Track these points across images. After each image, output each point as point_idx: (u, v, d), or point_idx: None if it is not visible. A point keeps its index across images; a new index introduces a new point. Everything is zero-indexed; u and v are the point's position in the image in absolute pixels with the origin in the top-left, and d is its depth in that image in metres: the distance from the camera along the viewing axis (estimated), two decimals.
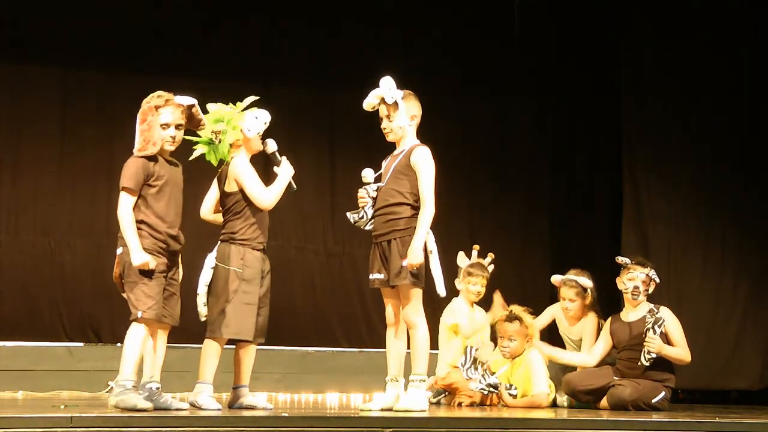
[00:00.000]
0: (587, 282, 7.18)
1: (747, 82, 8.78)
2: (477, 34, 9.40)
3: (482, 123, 9.55)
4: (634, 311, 6.86)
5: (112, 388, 5.19)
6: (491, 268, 7.32)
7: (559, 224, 9.63)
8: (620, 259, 6.97)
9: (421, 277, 5.59)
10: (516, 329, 6.84)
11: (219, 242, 5.70)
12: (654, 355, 6.65)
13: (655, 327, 6.67)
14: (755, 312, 8.66)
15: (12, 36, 8.45)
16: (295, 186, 5.81)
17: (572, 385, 6.81)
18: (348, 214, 5.81)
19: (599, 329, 7.11)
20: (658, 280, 6.83)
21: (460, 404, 6.84)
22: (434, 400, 7.00)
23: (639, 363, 6.68)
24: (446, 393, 7.03)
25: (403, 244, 5.56)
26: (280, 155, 5.82)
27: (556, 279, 7.33)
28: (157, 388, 5.30)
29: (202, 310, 5.62)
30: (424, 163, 5.66)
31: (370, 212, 5.73)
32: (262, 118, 5.77)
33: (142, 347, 5.18)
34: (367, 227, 5.78)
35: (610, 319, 7.01)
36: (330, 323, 8.98)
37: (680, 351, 6.74)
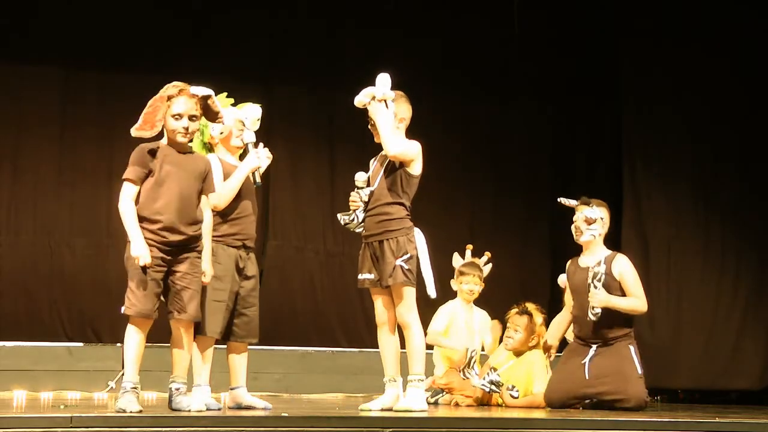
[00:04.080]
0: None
1: (746, 82, 8.79)
2: (477, 35, 9.40)
3: (482, 123, 9.55)
4: (588, 257, 6.66)
5: (112, 388, 5.16)
6: (488, 267, 7.30)
7: (559, 224, 9.61)
8: (564, 201, 6.73)
9: (414, 275, 5.57)
10: (524, 322, 6.87)
11: None
12: (599, 311, 6.44)
13: (595, 282, 6.46)
14: (755, 312, 8.66)
15: (12, 36, 8.45)
16: (259, 180, 5.67)
17: (549, 400, 6.65)
18: (339, 215, 5.75)
19: None
20: (593, 217, 6.56)
21: (457, 404, 6.84)
22: (432, 400, 7.00)
23: (588, 319, 6.51)
24: (444, 393, 7.03)
25: (396, 244, 5.53)
26: (255, 146, 5.73)
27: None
28: (177, 389, 5.18)
29: None
30: (410, 151, 5.59)
31: (361, 215, 5.69)
32: (239, 116, 5.70)
33: (137, 346, 5.11)
34: (358, 230, 5.74)
35: (569, 262, 6.84)
36: (330, 323, 8.99)
37: (632, 301, 6.51)
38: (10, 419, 4.44)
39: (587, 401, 6.57)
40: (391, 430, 4.71)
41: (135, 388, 5.02)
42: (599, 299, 6.44)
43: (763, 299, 8.67)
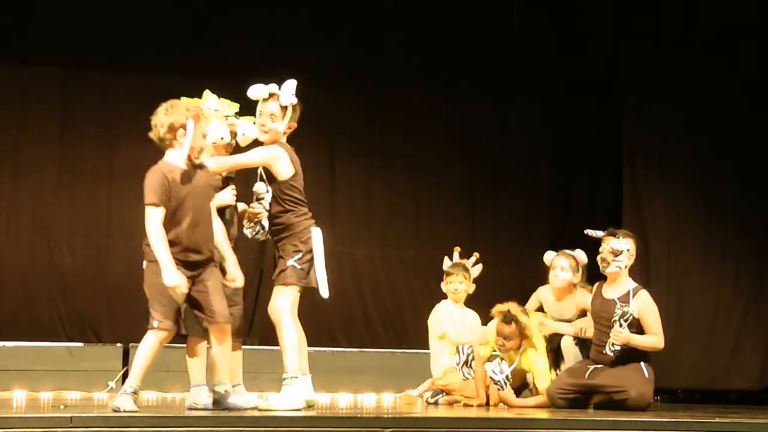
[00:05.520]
0: (582, 256, 7.09)
1: (746, 82, 8.79)
2: (477, 35, 9.40)
3: (482, 123, 9.55)
4: (613, 287, 6.66)
5: (112, 388, 5.15)
6: (478, 267, 7.23)
7: (559, 225, 9.62)
8: (590, 233, 6.75)
9: (305, 275, 5.56)
10: (512, 330, 6.85)
11: None
12: (618, 348, 6.50)
13: (621, 320, 6.51)
14: (755, 312, 8.67)
15: (12, 36, 8.45)
16: (229, 217, 5.60)
17: (551, 396, 6.74)
18: (244, 229, 5.74)
19: None
20: (620, 249, 6.55)
21: (470, 406, 6.77)
22: (432, 401, 7.01)
23: (604, 351, 6.57)
24: (443, 393, 7.02)
25: (288, 247, 5.52)
26: (232, 183, 5.64)
27: (548, 255, 7.19)
28: (225, 391, 5.26)
29: None
30: (260, 149, 5.58)
31: (266, 224, 5.69)
32: (240, 128, 5.65)
33: (152, 356, 5.11)
34: (267, 237, 5.73)
35: (596, 285, 6.84)
36: (330, 323, 8.98)
37: (651, 339, 6.54)
38: (10, 419, 4.44)
39: (591, 394, 6.60)
40: (391, 430, 4.71)
41: (135, 392, 5.03)
42: (622, 338, 6.51)
43: (762, 299, 8.67)
